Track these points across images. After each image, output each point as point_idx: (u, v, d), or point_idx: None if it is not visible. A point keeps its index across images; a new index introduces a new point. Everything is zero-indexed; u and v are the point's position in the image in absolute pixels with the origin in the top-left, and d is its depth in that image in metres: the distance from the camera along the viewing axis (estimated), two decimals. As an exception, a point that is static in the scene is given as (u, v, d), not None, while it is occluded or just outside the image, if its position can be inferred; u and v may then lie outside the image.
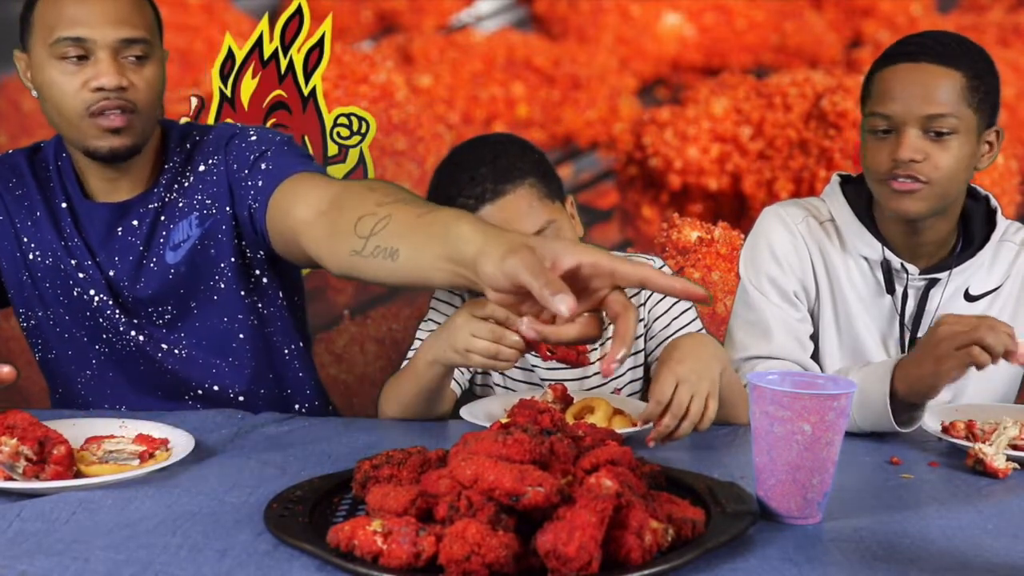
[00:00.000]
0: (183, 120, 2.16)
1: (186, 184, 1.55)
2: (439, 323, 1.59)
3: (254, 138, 1.54)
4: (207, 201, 1.54)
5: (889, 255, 1.60)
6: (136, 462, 1.19)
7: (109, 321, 1.55)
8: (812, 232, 1.65)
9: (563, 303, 0.88)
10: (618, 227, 2.57)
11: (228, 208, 1.53)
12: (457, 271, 1.02)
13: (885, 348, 1.63)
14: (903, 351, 1.61)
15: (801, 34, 2.56)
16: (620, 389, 1.62)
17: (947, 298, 1.60)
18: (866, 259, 1.62)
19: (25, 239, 1.55)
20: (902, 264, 1.59)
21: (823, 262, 1.64)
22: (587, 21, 2.57)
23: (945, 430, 1.35)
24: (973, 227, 1.62)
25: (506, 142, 1.56)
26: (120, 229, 1.54)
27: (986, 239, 1.60)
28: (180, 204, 1.54)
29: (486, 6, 2.60)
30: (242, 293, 1.56)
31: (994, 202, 1.64)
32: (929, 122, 1.49)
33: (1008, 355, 1.27)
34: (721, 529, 0.94)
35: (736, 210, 2.51)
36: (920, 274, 1.59)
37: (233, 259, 1.54)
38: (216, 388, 1.57)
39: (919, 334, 1.60)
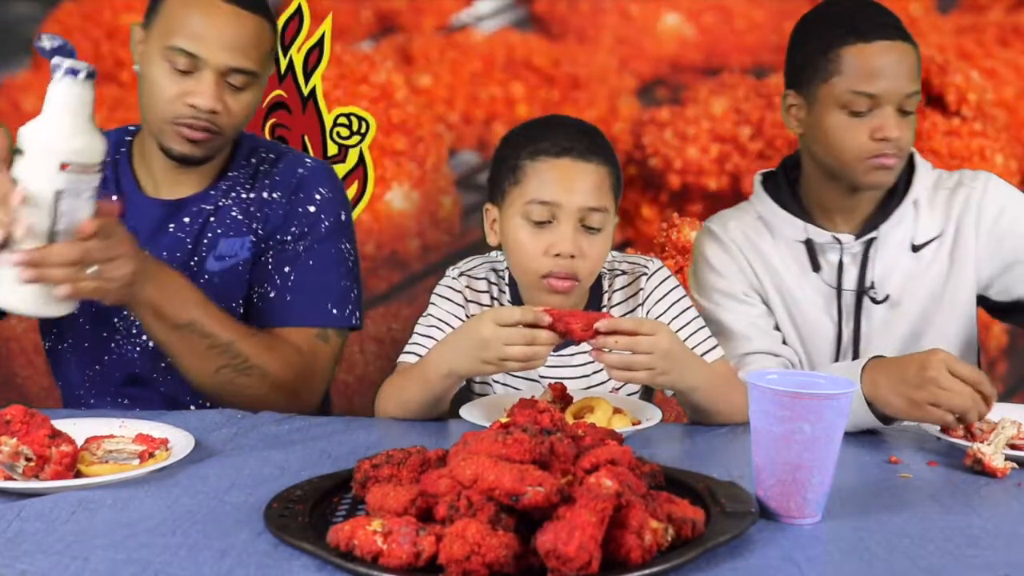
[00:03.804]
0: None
1: (246, 199, 1.58)
2: (439, 318, 1.59)
3: (313, 208, 1.58)
4: (261, 232, 1.57)
5: (814, 232, 1.64)
6: (136, 462, 1.20)
7: (124, 322, 1.55)
8: (743, 232, 1.70)
9: None
10: (618, 227, 2.56)
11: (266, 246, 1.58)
12: None
13: (830, 318, 1.66)
14: (840, 317, 1.65)
15: (801, 34, 2.56)
16: (618, 388, 1.62)
17: (893, 253, 1.64)
18: (799, 241, 1.66)
19: None
20: (834, 236, 1.64)
21: (759, 257, 1.69)
22: (587, 21, 2.57)
23: (944, 429, 1.35)
24: (898, 182, 1.65)
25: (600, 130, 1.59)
26: (172, 226, 1.56)
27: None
28: (236, 215, 1.57)
29: (486, 6, 2.60)
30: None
31: (913, 151, 1.67)
32: (906, 100, 1.53)
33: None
34: (721, 529, 0.94)
35: (735, 210, 2.51)
36: (856, 239, 1.63)
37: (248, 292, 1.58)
38: (208, 405, 1.55)
39: (873, 292, 1.64)
